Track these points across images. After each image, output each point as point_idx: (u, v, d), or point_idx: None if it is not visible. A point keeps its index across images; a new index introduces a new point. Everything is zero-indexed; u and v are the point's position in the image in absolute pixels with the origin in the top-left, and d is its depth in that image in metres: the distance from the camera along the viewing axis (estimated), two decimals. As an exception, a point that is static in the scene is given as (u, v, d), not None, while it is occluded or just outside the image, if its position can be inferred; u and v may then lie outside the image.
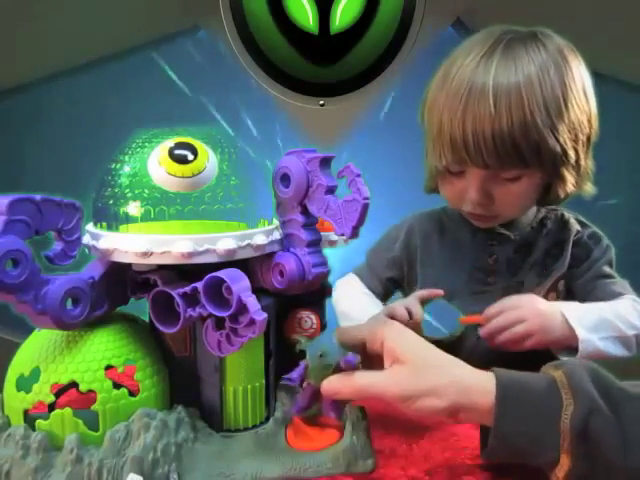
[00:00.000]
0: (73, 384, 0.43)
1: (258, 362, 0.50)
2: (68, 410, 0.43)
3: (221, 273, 0.41)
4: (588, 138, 0.69)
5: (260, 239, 0.46)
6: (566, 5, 1.41)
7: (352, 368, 0.43)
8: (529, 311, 0.64)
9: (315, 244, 0.49)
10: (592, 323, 0.66)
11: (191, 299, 0.43)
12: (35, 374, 0.44)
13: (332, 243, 0.57)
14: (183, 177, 0.44)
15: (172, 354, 0.49)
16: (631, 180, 1.60)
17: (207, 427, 0.48)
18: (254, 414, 0.49)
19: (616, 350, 0.68)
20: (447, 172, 0.71)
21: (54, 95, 1.58)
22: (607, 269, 0.77)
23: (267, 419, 0.51)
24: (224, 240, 0.44)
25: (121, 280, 0.47)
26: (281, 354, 0.53)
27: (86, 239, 0.47)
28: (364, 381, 0.42)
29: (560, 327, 0.64)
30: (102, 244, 0.44)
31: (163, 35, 1.55)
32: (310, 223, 0.49)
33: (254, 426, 0.50)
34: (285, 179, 0.48)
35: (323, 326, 0.56)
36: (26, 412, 0.44)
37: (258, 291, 0.45)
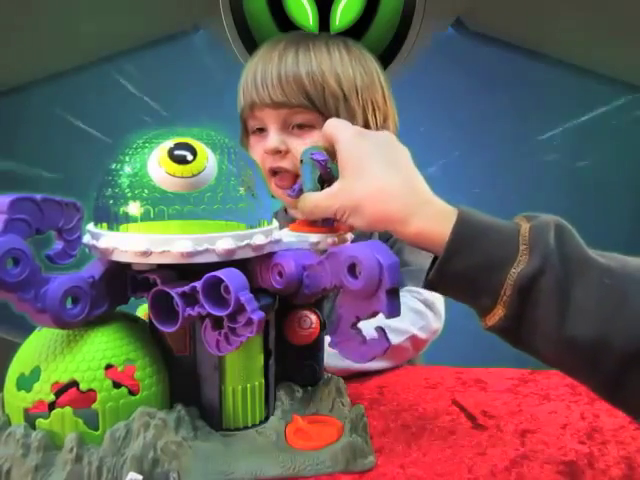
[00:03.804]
0: (73, 383, 0.43)
1: (257, 361, 0.50)
2: (68, 409, 0.43)
3: (219, 273, 0.41)
4: (385, 119, 0.77)
5: (259, 239, 0.46)
6: (566, 5, 1.41)
7: (323, 166, 0.48)
8: None
9: (314, 245, 0.49)
10: None
11: (190, 298, 0.43)
12: (35, 373, 0.44)
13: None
14: (182, 177, 0.44)
15: (172, 353, 0.49)
16: (633, 180, 1.61)
17: (207, 426, 0.48)
18: (253, 413, 0.50)
19: (384, 364, 0.68)
20: (252, 134, 0.79)
21: (54, 95, 1.59)
22: (405, 256, 0.78)
23: (267, 418, 0.51)
24: (223, 240, 0.44)
25: (121, 279, 0.47)
26: (280, 353, 0.53)
27: (86, 238, 0.47)
28: (313, 203, 0.47)
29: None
30: (102, 243, 0.45)
31: (163, 35, 1.55)
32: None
33: (253, 425, 0.50)
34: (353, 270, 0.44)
35: (323, 325, 0.56)
36: (26, 411, 0.44)
37: (258, 291, 0.45)
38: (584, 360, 0.37)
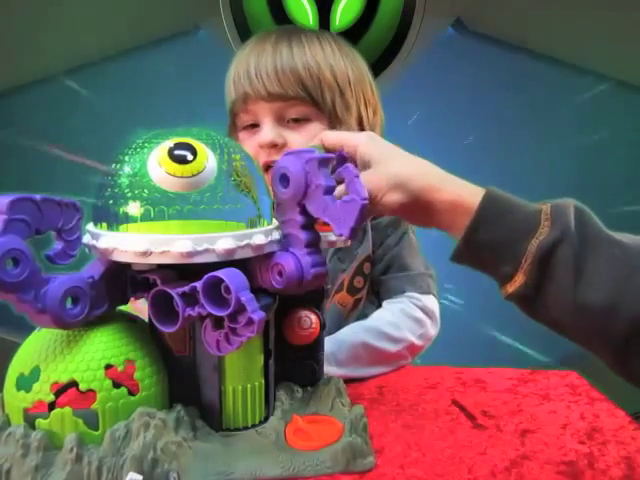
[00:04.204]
0: (73, 383, 0.43)
1: (257, 361, 0.50)
2: (68, 409, 0.43)
3: (220, 273, 0.41)
4: (374, 114, 0.77)
5: (259, 239, 0.46)
6: (565, 5, 1.41)
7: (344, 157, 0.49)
8: None
9: (314, 244, 0.49)
10: (344, 356, 0.66)
11: (190, 298, 0.43)
12: (35, 373, 0.44)
13: (331, 244, 0.56)
14: (182, 177, 0.44)
15: (171, 353, 0.49)
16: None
17: (206, 426, 0.48)
18: (253, 413, 0.50)
19: (380, 370, 0.69)
20: (242, 130, 0.76)
21: (55, 95, 1.59)
22: (404, 259, 0.78)
23: (266, 418, 0.51)
24: (223, 240, 0.44)
25: (121, 280, 0.47)
26: (280, 353, 0.53)
27: (86, 238, 0.47)
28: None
29: None
30: (102, 243, 0.45)
31: (163, 35, 1.55)
32: (309, 223, 0.49)
33: (253, 425, 0.50)
34: (284, 179, 0.48)
35: (322, 325, 0.56)
36: (26, 411, 0.44)
37: (257, 291, 0.45)
38: (596, 327, 0.39)
